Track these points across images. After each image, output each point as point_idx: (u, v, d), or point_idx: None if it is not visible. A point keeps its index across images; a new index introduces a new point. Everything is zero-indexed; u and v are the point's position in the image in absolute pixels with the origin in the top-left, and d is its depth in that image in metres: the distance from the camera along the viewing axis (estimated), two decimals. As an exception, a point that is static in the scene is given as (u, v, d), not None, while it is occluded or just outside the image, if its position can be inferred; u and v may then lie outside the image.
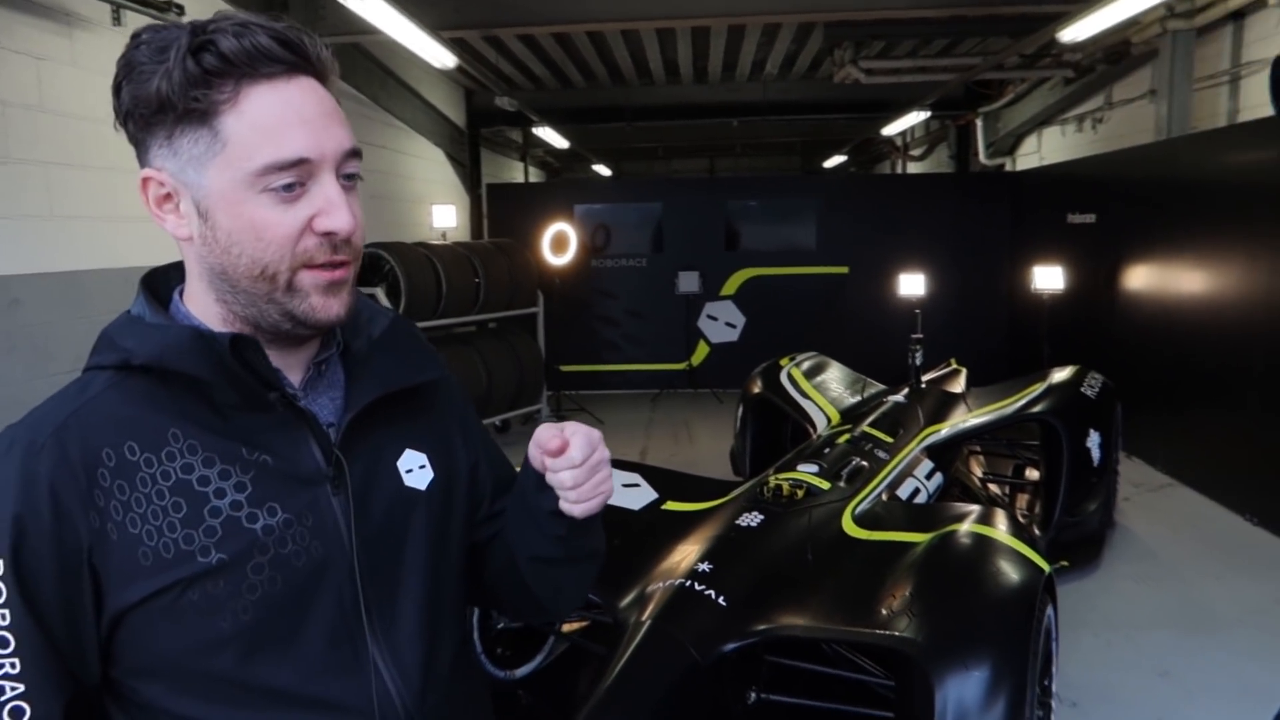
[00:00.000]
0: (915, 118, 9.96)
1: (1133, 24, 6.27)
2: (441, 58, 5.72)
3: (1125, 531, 4.72)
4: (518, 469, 1.09)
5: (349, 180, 0.86)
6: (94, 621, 0.82)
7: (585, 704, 2.32)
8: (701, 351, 9.02)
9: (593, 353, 9.00)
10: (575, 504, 0.94)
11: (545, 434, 0.93)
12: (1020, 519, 4.08)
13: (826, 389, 5.26)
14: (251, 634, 0.83)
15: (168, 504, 0.81)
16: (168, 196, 0.84)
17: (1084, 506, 4.37)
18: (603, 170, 15.77)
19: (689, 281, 8.69)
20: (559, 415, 7.58)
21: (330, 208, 0.83)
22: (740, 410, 5.41)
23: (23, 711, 0.79)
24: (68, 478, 0.80)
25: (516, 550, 1.03)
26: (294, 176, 0.82)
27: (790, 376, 5.30)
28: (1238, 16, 5.98)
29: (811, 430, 4.66)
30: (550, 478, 0.94)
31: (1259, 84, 5.85)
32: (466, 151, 10.29)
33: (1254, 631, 3.55)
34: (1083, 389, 4.64)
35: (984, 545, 2.60)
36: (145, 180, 0.84)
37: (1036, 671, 2.20)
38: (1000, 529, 2.74)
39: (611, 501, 3.25)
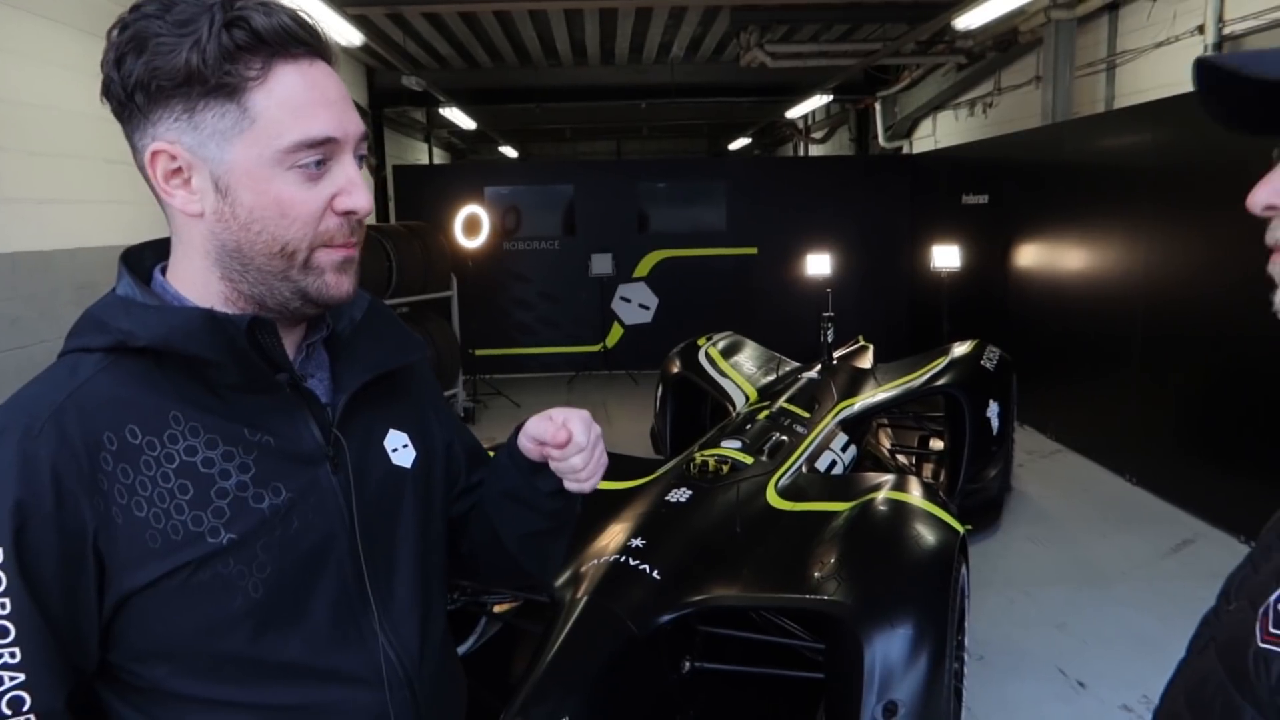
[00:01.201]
0: (817, 101, 10.21)
1: (1020, 13, 6.60)
2: (346, 35, 5.56)
3: (1021, 496, 5.03)
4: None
5: (360, 160, 0.89)
6: (96, 606, 0.81)
7: (524, 681, 2.36)
8: (616, 333, 9.08)
9: (507, 336, 8.95)
10: (585, 481, 0.99)
11: (542, 427, 0.98)
12: (930, 485, 4.30)
13: (743, 367, 5.39)
14: (263, 611, 0.85)
15: (174, 486, 0.81)
16: (178, 170, 0.83)
17: (985, 473, 4.64)
18: (509, 152, 15.59)
19: (602, 263, 8.72)
20: (475, 399, 7.52)
21: (351, 187, 0.85)
22: (660, 390, 5.50)
23: (23, 702, 0.77)
24: (70, 461, 0.78)
25: (504, 530, 1.06)
26: (321, 154, 0.83)
27: (708, 355, 5.41)
28: (1113, 8, 6.36)
29: (731, 408, 4.78)
30: (557, 466, 0.98)
31: (1133, 71, 6.25)
32: (370, 131, 10.01)
33: (1139, 584, 3.86)
34: (982, 362, 4.91)
35: (903, 510, 2.75)
36: (155, 154, 0.82)
37: (955, 628, 2.35)
38: (915, 494, 2.90)
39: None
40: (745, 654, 2.83)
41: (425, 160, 13.37)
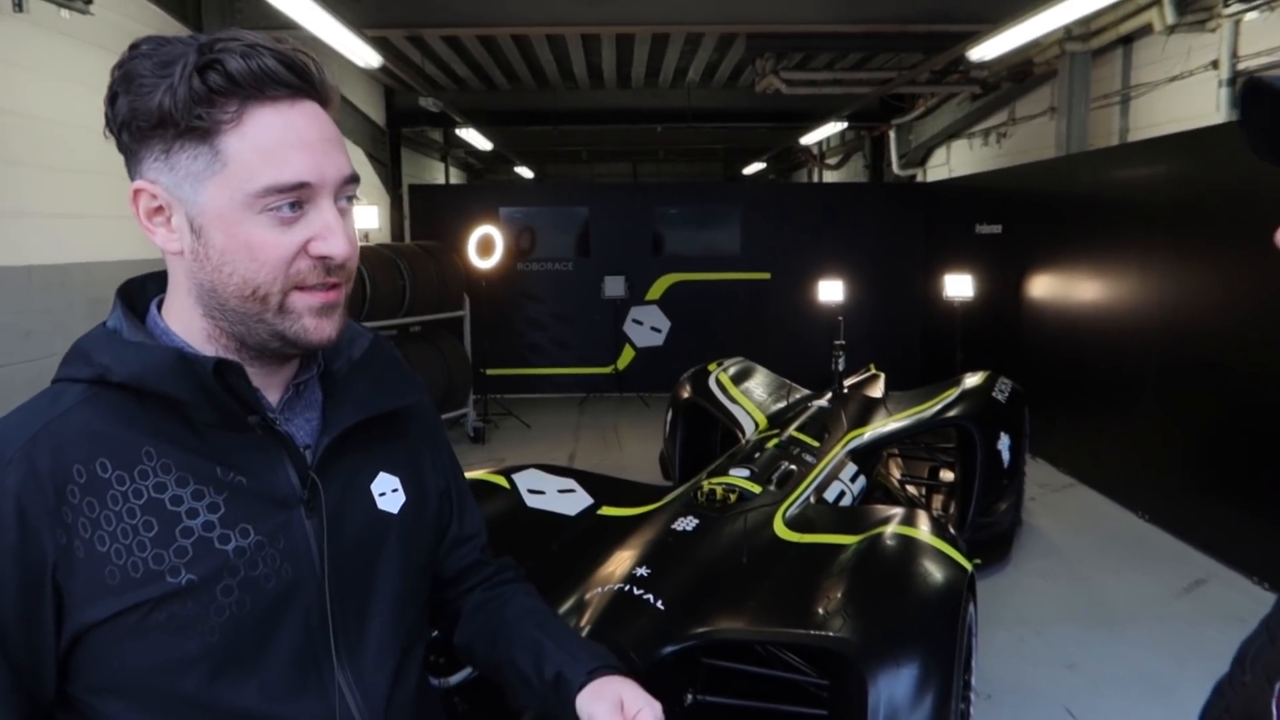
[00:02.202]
0: (832, 128, 10.24)
1: (1035, 45, 6.61)
2: (366, 57, 5.62)
3: (1032, 530, 4.98)
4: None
5: (346, 203, 0.87)
6: (53, 638, 0.81)
7: (524, 712, 2.34)
8: (627, 355, 9.08)
9: (519, 356, 8.96)
10: None
11: None
12: (939, 519, 4.26)
13: (753, 394, 5.38)
14: (218, 655, 0.83)
15: (138, 522, 0.81)
16: (159, 209, 0.84)
17: (996, 507, 4.59)
18: (525, 173, 15.69)
19: (615, 286, 8.73)
20: (485, 419, 7.52)
21: (327, 233, 0.84)
22: (670, 415, 5.48)
23: None
24: (35, 493, 0.79)
25: (509, 689, 1.06)
26: (294, 199, 0.82)
27: (718, 381, 5.40)
28: (1127, 41, 6.37)
29: (740, 435, 4.76)
30: None
31: (1147, 105, 6.24)
32: (387, 151, 10.11)
33: (1151, 624, 3.80)
34: (994, 394, 4.87)
35: (911, 546, 2.72)
36: (137, 192, 0.84)
37: (962, 667, 2.32)
38: (923, 530, 2.86)
39: (548, 508, 3.27)
40: (749, 688, 2.80)
41: (442, 179, 13.47)
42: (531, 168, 15.74)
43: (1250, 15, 4.89)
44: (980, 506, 4.47)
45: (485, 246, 7.85)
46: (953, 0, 5.81)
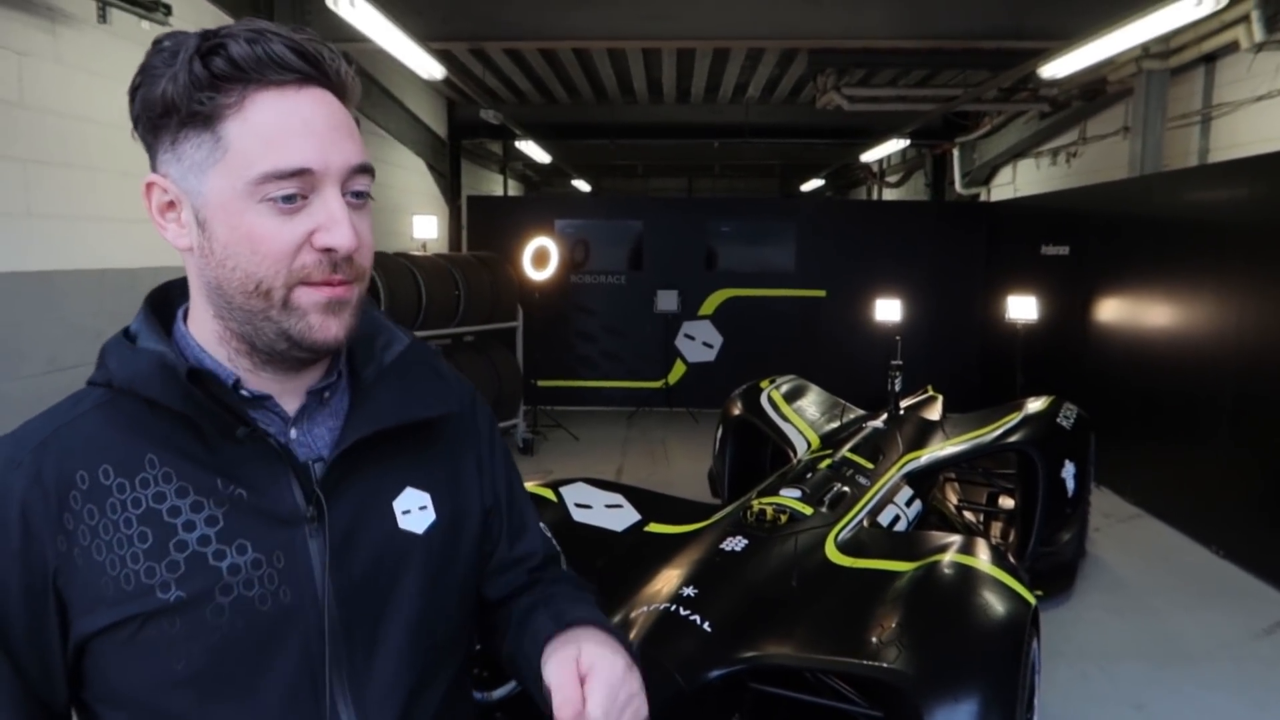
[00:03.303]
0: (893, 145, 10.09)
1: (1109, 63, 6.42)
2: (430, 68, 5.70)
3: (1097, 561, 4.78)
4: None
5: (358, 198, 0.82)
6: (60, 645, 0.80)
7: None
8: (678, 370, 9.03)
9: (569, 368, 8.97)
10: None
11: (562, 678, 0.84)
12: (999, 549, 4.11)
13: (806, 412, 5.28)
14: (208, 679, 0.79)
15: (134, 533, 0.78)
16: (170, 204, 0.81)
17: (1059, 536, 4.42)
18: (582, 185, 15.79)
19: (668, 300, 8.70)
20: (535, 431, 7.53)
21: (331, 223, 0.79)
22: (720, 432, 5.41)
23: None
24: (39, 498, 0.78)
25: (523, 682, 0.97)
26: (294, 188, 0.78)
27: (770, 399, 5.31)
28: (1210, 59, 6.14)
29: (792, 454, 4.66)
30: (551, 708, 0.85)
31: (1229, 125, 6.01)
32: (447, 162, 10.26)
33: (1225, 665, 3.60)
34: (1059, 420, 4.70)
35: (971, 577, 2.61)
36: (149, 186, 0.81)
37: (1024, 705, 2.21)
38: (983, 559, 2.75)
39: (595, 523, 3.22)
40: (796, 716, 2.71)
41: (500, 192, 13.62)
42: (588, 181, 15.84)
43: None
44: (1042, 535, 4.30)
45: (540, 258, 7.88)
46: (1024, 16, 5.66)
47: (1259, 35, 4.97)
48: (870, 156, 11.11)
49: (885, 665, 2.24)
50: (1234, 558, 4.75)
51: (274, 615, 0.81)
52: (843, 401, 5.65)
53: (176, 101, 0.76)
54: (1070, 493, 4.45)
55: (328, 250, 0.79)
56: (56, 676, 0.81)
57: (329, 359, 0.89)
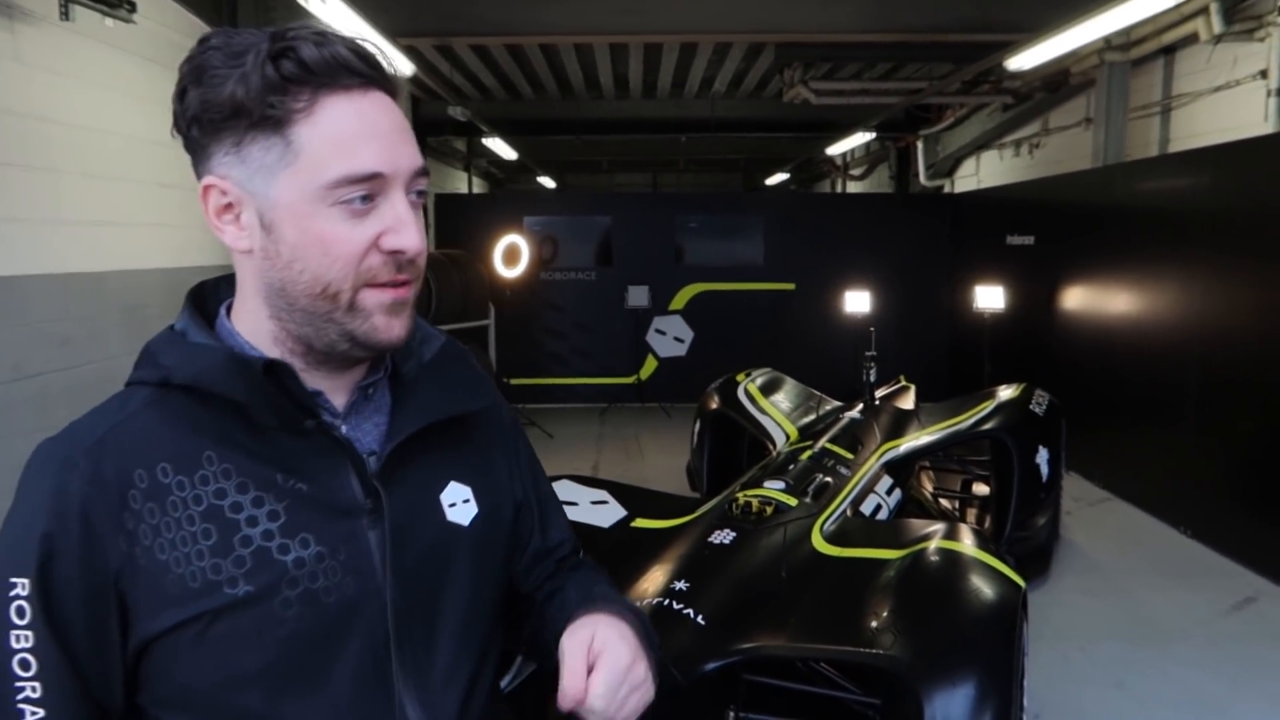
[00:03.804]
0: (859, 138, 10.18)
1: (1071, 55, 6.53)
2: (398, 64, 5.62)
3: (1070, 545, 4.87)
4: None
5: (417, 197, 0.84)
6: (120, 647, 0.79)
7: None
8: (650, 366, 9.03)
9: (541, 366, 8.93)
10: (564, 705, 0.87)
11: (573, 660, 0.87)
12: (983, 534, 4.18)
13: (782, 405, 5.31)
14: (278, 672, 0.80)
15: (197, 530, 0.78)
16: (228, 206, 0.81)
17: (1034, 521, 4.50)
18: (547, 182, 15.72)
19: (638, 295, 8.69)
20: (508, 429, 7.48)
21: (400, 225, 0.81)
22: (697, 426, 5.42)
23: None
24: (99, 497, 0.77)
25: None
26: (366, 190, 0.79)
27: (747, 392, 5.33)
28: (1169, 51, 6.28)
29: (771, 446, 4.69)
30: (579, 711, 0.87)
31: (1189, 115, 6.15)
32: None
33: (1200, 643, 3.69)
34: (1031, 406, 4.78)
35: (960, 562, 2.65)
36: (206, 189, 0.81)
37: (1019, 687, 2.24)
38: (969, 544, 2.79)
39: (581, 520, 3.23)
40: (791, 706, 2.73)
41: (465, 188, 13.51)
42: (553, 177, 15.77)
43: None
44: (1018, 520, 4.38)
45: (511, 255, 7.84)
46: (989, 9, 5.73)
47: (1218, 27, 5.09)
48: (836, 150, 11.19)
49: (881, 652, 2.27)
50: (1202, 538, 4.88)
51: (339, 606, 0.82)
52: (817, 393, 5.69)
53: (247, 104, 0.76)
54: (1044, 478, 4.53)
55: (395, 252, 0.81)
56: (115, 680, 0.79)
57: (373, 358, 0.90)
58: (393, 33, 5.42)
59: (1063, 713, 3.13)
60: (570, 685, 0.85)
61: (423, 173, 0.84)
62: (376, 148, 0.79)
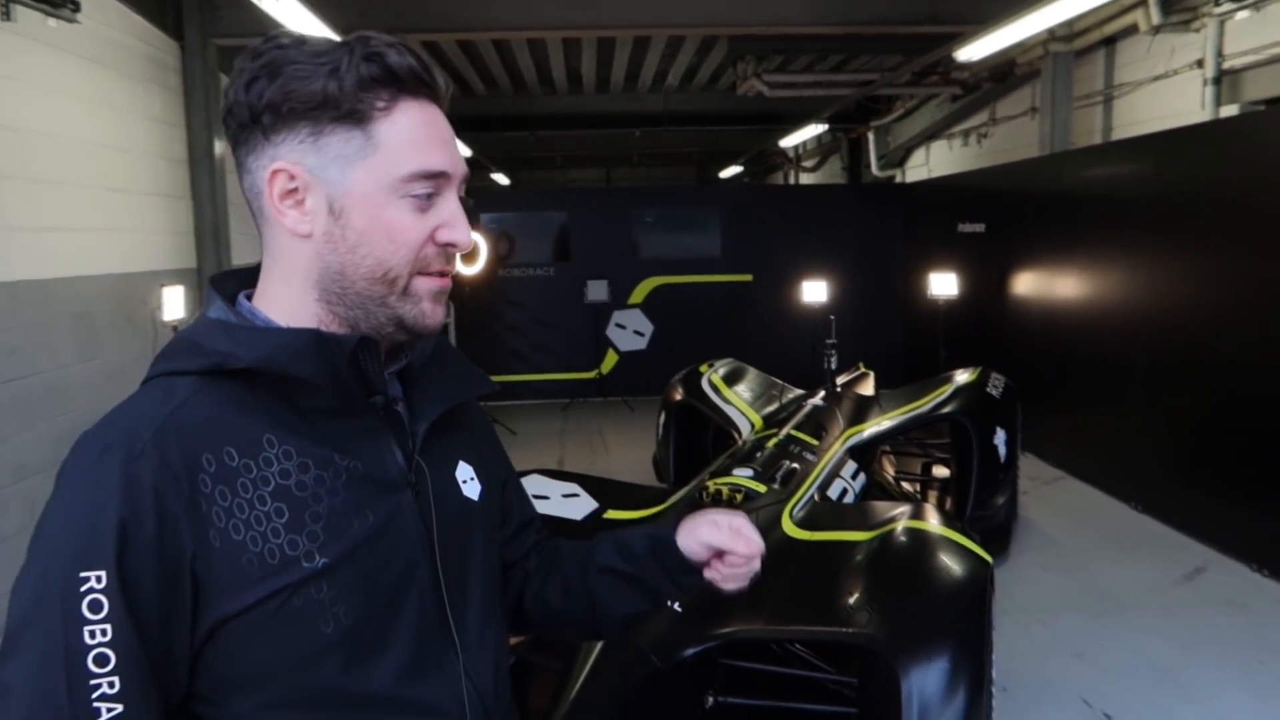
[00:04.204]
0: (812, 130, 10.31)
1: (1017, 46, 6.69)
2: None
3: (1028, 523, 5.01)
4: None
5: (461, 201, 0.93)
6: (189, 634, 0.79)
7: (551, 715, 2.31)
8: (611, 360, 9.05)
9: (502, 363, 8.90)
10: (741, 581, 1.05)
11: (721, 538, 1.03)
12: (948, 513, 4.28)
13: (745, 394, 5.37)
14: (352, 639, 0.84)
15: (270, 509, 0.81)
16: (293, 191, 0.86)
17: (993, 501, 4.62)
18: (500, 179, 15.62)
19: (598, 290, 8.71)
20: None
21: (454, 221, 0.89)
22: (663, 417, 5.46)
23: None
24: (170, 483, 0.77)
25: (609, 608, 1.10)
26: (432, 187, 0.88)
27: (711, 383, 5.38)
28: (1110, 42, 6.46)
29: (736, 435, 4.74)
30: (732, 573, 1.04)
31: (1130, 104, 6.34)
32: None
33: (1155, 612, 3.83)
34: (988, 389, 4.90)
35: (928, 540, 2.72)
36: (275, 173, 0.86)
37: (991, 659, 2.31)
38: (935, 524, 2.86)
39: (554, 513, 3.28)
40: (769, 687, 2.77)
41: (418, 187, 13.36)
42: (506, 174, 15.67)
43: (1241, 14, 4.96)
44: (978, 500, 4.49)
45: (469, 253, 7.79)
46: (937, 2, 5.85)
47: (1156, 19, 5.26)
48: (788, 142, 11.32)
49: (858, 631, 2.32)
50: (1152, 511, 5.05)
51: (398, 572, 0.88)
52: (779, 382, 5.76)
53: (338, 97, 0.83)
54: (1002, 458, 4.65)
55: (448, 245, 0.90)
56: (182, 668, 0.80)
57: (404, 346, 0.97)
58: (344, 29, 5.35)
59: (1027, 684, 3.23)
60: (732, 539, 1.02)
61: (467, 178, 0.93)
62: (444, 150, 0.89)
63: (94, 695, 0.74)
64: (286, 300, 0.89)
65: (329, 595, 0.82)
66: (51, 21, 4.03)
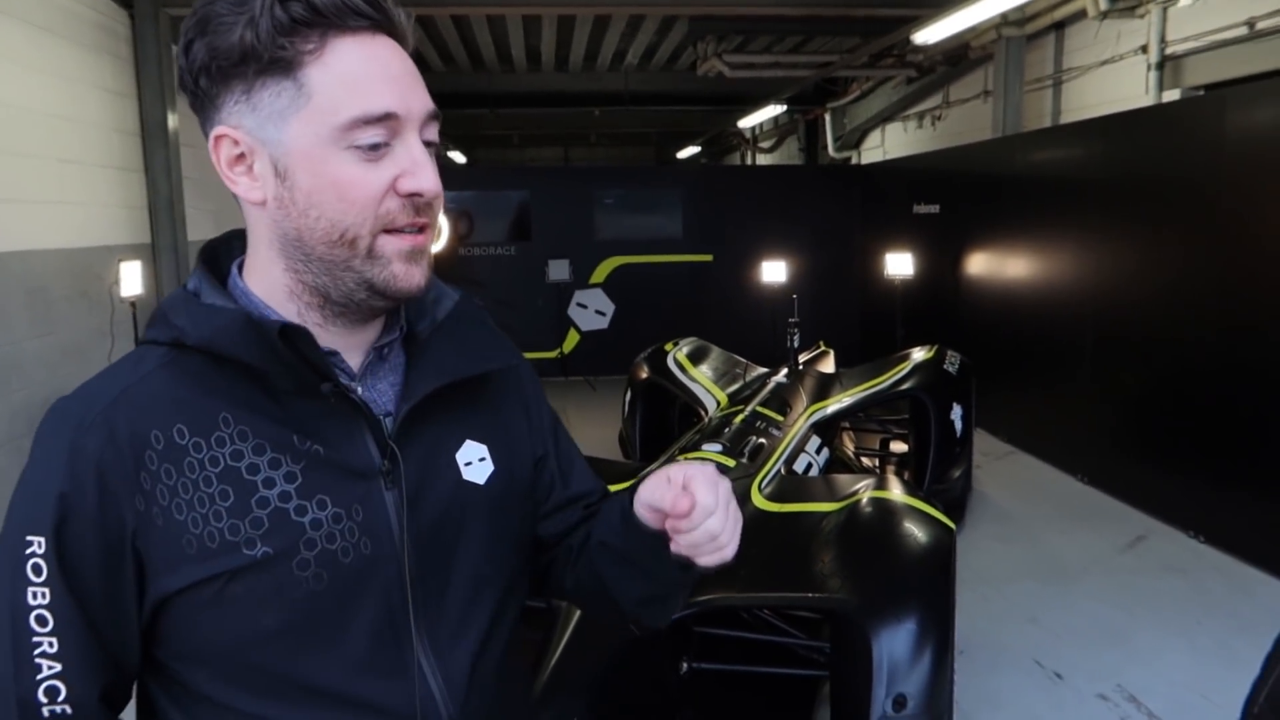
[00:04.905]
0: (771, 111, 10.38)
1: (971, 30, 6.82)
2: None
3: (981, 496, 5.18)
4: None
5: (429, 146, 0.83)
6: (136, 605, 0.80)
7: (531, 684, 2.36)
8: (572, 339, 9.07)
9: (462, 342, 8.84)
10: (726, 548, 0.84)
11: (659, 493, 0.84)
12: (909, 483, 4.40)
13: (710, 372, 5.45)
14: (296, 631, 0.80)
15: (215, 491, 0.78)
16: (240, 157, 0.80)
17: (950, 474, 4.78)
18: (457, 157, 15.44)
19: (559, 270, 8.70)
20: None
21: (415, 168, 0.80)
22: (628, 395, 5.51)
23: (58, 691, 0.77)
24: (114, 457, 0.77)
25: (616, 591, 0.95)
26: (380, 134, 0.78)
27: (676, 361, 5.45)
28: (1060, 26, 6.62)
29: (702, 412, 4.82)
30: (685, 540, 0.83)
31: (1079, 88, 6.51)
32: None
33: (1101, 578, 4.02)
34: (945, 366, 5.05)
35: (894, 508, 2.82)
36: (218, 139, 0.80)
37: (954, 621, 2.42)
38: (899, 493, 2.97)
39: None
40: (741, 654, 2.86)
41: (372, 164, 13.16)
42: (462, 152, 15.50)
43: (1181, 2, 5.13)
44: (936, 474, 4.64)
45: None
46: (896, -16, 5.95)
47: (1103, 4, 5.41)
48: (747, 123, 11.39)
49: (831, 596, 2.41)
50: (1097, 484, 5.26)
51: (356, 566, 0.82)
52: (743, 360, 5.84)
53: (256, 48, 0.75)
54: (959, 433, 4.81)
55: (412, 195, 0.80)
56: (131, 636, 0.81)
57: (388, 315, 0.90)
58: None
59: (984, 647, 3.37)
60: (669, 492, 0.82)
61: (435, 117, 0.82)
62: (388, 88, 0.78)
63: (35, 652, 0.77)
64: (261, 270, 0.85)
65: (269, 586, 0.79)
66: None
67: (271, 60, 0.76)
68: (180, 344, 0.81)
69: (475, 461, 0.92)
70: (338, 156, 0.77)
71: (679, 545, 0.85)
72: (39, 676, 0.77)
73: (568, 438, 1.08)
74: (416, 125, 0.81)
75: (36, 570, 0.76)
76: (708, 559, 0.85)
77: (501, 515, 0.93)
